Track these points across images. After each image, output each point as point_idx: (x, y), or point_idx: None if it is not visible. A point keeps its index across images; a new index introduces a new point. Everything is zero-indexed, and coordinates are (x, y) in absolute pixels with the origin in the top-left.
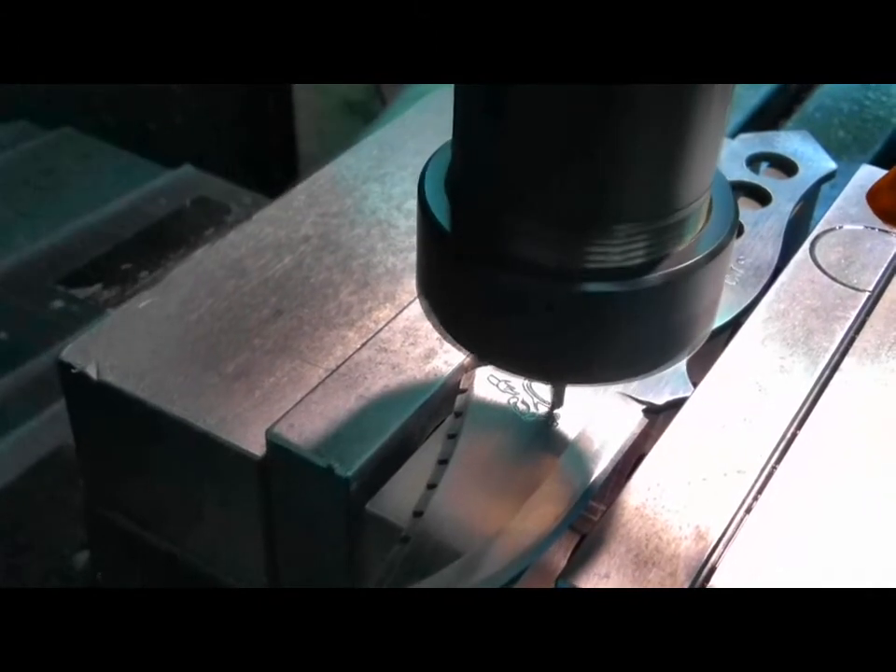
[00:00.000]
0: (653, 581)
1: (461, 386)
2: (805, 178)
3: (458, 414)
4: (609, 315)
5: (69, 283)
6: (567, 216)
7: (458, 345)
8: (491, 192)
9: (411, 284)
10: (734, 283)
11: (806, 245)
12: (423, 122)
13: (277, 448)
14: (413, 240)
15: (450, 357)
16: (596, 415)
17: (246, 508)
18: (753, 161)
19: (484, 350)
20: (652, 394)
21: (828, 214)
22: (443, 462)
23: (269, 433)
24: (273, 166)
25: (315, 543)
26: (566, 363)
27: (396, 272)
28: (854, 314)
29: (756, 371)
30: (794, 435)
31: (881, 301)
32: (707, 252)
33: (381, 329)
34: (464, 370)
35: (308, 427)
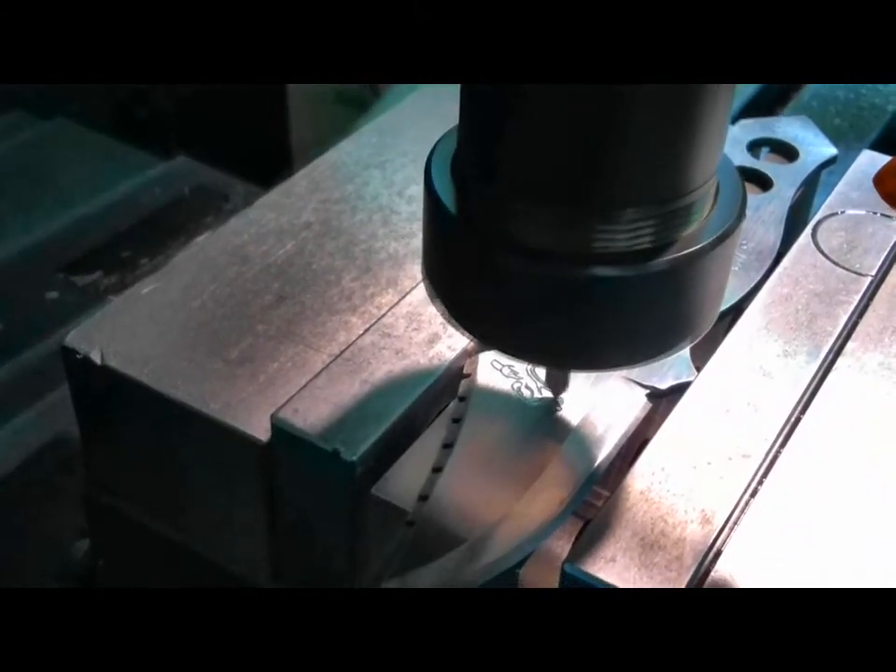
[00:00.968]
0: (659, 564)
1: (465, 371)
2: (806, 164)
3: (462, 399)
4: (616, 300)
5: (68, 270)
6: (575, 199)
7: (463, 330)
8: (497, 176)
9: (413, 269)
10: (736, 268)
11: (808, 229)
12: (423, 110)
13: (282, 433)
14: (415, 226)
15: (453, 341)
16: (600, 400)
17: (250, 493)
18: (754, 147)
19: (489, 335)
20: (656, 378)
21: (829, 199)
22: (448, 446)
23: (274, 418)
24: (265, 156)
25: (319, 528)
26: (571, 348)
27: (398, 257)
28: (857, 298)
29: (759, 356)
30: (798, 419)
31: (884, 286)
32: (713, 237)
33: (384, 315)
34: (467, 354)
35: (313, 411)
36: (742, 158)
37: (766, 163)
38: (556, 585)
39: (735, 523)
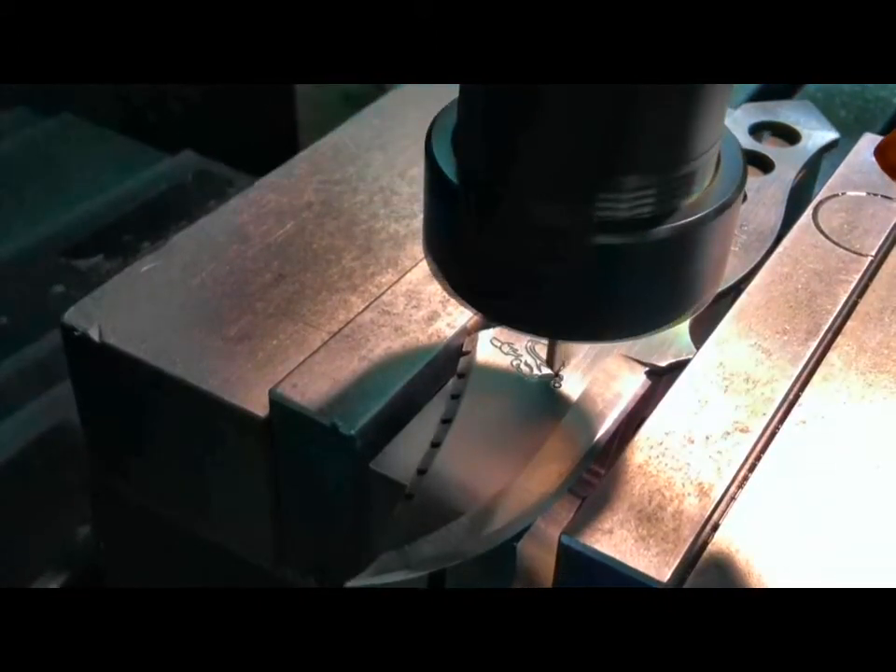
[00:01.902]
0: (657, 536)
1: (464, 349)
2: (808, 147)
3: (461, 376)
4: (618, 269)
5: (70, 255)
6: (576, 168)
7: (465, 304)
8: (497, 146)
9: (413, 249)
10: (737, 248)
11: (809, 210)
12: (424, 92)
13: (281, 408)
14: (416, 207)
15: (453, 319)
16: (599, 377)
17: (251, 470)
18: (756, 131)
19: (492, 308)
20: (656, 356)
21: (830, 181)
22: (447, 422)
23: (272, 393)
24: (272, 155)
25: (320, 503)
26: (574, 319)
27: (398, 238)
28: (857, 277)
29: (759, 334)
30: (797, 396)
31: (884, 266)
32: (715, 206)
33: (384, 293)
34: (467, 332)
35: (311, 387)
36: (744, 141)
37: (768, 146)
38: (553, 558)
39: (733, 496)
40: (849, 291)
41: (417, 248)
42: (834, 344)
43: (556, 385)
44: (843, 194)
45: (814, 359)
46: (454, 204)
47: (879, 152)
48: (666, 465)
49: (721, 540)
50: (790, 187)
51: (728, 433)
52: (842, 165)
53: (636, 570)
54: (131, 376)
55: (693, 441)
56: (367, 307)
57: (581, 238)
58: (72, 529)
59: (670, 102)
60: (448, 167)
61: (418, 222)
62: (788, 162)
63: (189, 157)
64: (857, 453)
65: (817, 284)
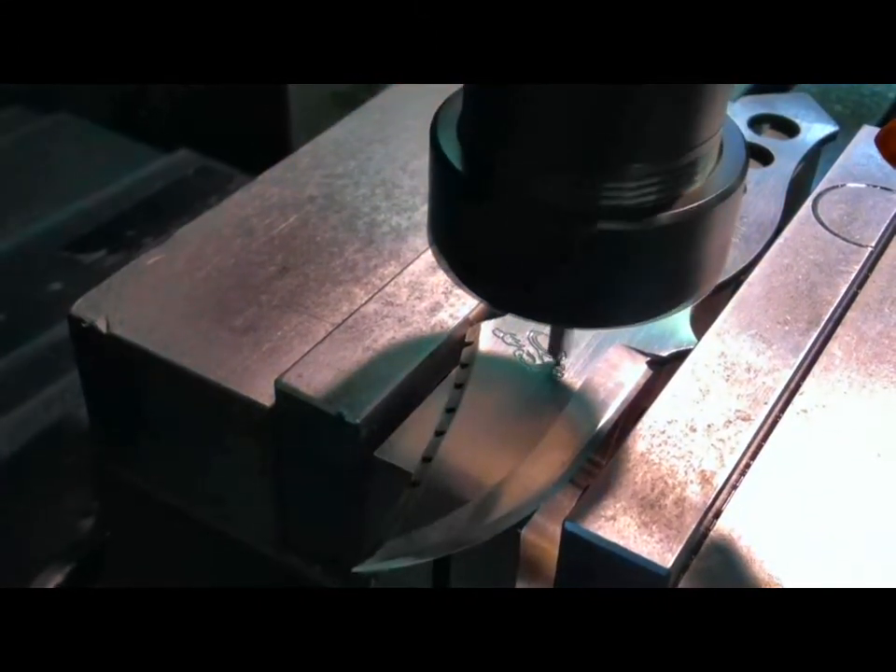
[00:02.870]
0: (659, 522)
1: (467, 339)
2: (807, 139)
3: (465, 366)
4: (622, 255)
5: (72, 249)
6: (582, 155)
7: (470, 292)
8: (504, 133)
9: (415, 242)
10: (737, 239)
11: (809, 202)
12: (424, 87)
13: (286, 397)
14: (418, 200)
15: (455, 310)
16: (601, 367)
17: (256, 459)
18: (755, 123)
19: (497, 295)
20: (657, 346)
21: (830, 173)
22: (451, 411)
23: (278, 382)
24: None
25: (325, 492)
26: (579, 306)
27: (400, 230)
28: (857, 268)
29: (759, 324)
30: (798, 385)
31: (883, 257)
32: (717, 193)
33: (387, 284)
34: (469, 323)
35: (317, 376)
36: (743, 133)
37: (767, 139)
38: (556, 545)
39: (735, 484)
40: (849, 282)
41: (419, 240)
42: (835, 335)
43: (558, 374)
44: (842, 186)
45: (815, 349)
46: (458, 190)
47: (880, 141)
48: (669, 453)
49: (723, 527)
50: (789, 179)
51: (730, 422)
52: (841, 157)
53: (639, 556)
54: (137, 367)
55: (695, 430)
56: (370, 298)
57: (586, 224)
58: (74, 523)
59: (674, 91)
60: (452, 153)
61: (420, 215)
62: (787, 155)
63: (184, 156)
64: (857, 441)
65: (817, 275)
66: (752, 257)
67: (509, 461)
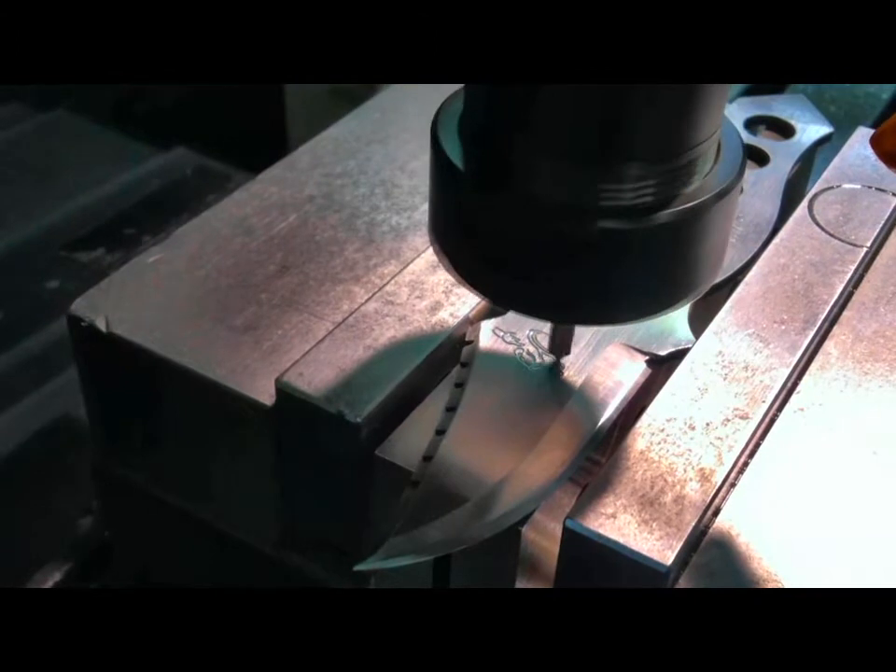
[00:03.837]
0: (659, 520)
1: (467, 338)
2: (802, 140)
3: (465, 365)
4: (620, 253)
5: (70, 248)
6: (582, 154)
7: (471, 289)
8: (506, 132)
9: (415, 241)
10: (734, 239)
11: (805, 202)
12: (424, 87)
13: (287, 396)
14: (417, 199)
15: (455, 309)
16: (601, 366)
17: (257, 458)
18: (751, 125)
19: (497, 292)
20: (656, 345)
21: (825, 173)
22: (451, 409)
23: (278, 381)
24: (263, 150)
25: (326, 490)
26: (579, 303)
27: (400, 229)
28: (852, 268)
29: (757, 323)
30: (795, 384)
31: (879, 257)
32: (715, 192)
33: (387, 283)
34: (469, 322)
35: (317, 375)
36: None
37: (763, 140)
38: (557, 542)
39: (734, 482)
40: (845, 282)
41: (419, 240)
42: (831, 334)
43: (558, 373)
44: (838, 187)
45: (811, 348)
46: (459, 188)
47: (875, 141)
48: (668, 451)
49: (722, 524)
50: (785, 179)
51: (728, 420)
52: (836, 158)
53: (639, 553)
54: (137, 365)
55: (693, 428)
56: (370, 297)
57: (586, 222)
58: (73, 521)
59: (672, 91)
60: (454, 151)
61: (419, 214)
62: (783, 155)
63: (181, 153)
64: (854, 439)
65: (813, 274)
66: (749, 257)
67: (509, 459)
